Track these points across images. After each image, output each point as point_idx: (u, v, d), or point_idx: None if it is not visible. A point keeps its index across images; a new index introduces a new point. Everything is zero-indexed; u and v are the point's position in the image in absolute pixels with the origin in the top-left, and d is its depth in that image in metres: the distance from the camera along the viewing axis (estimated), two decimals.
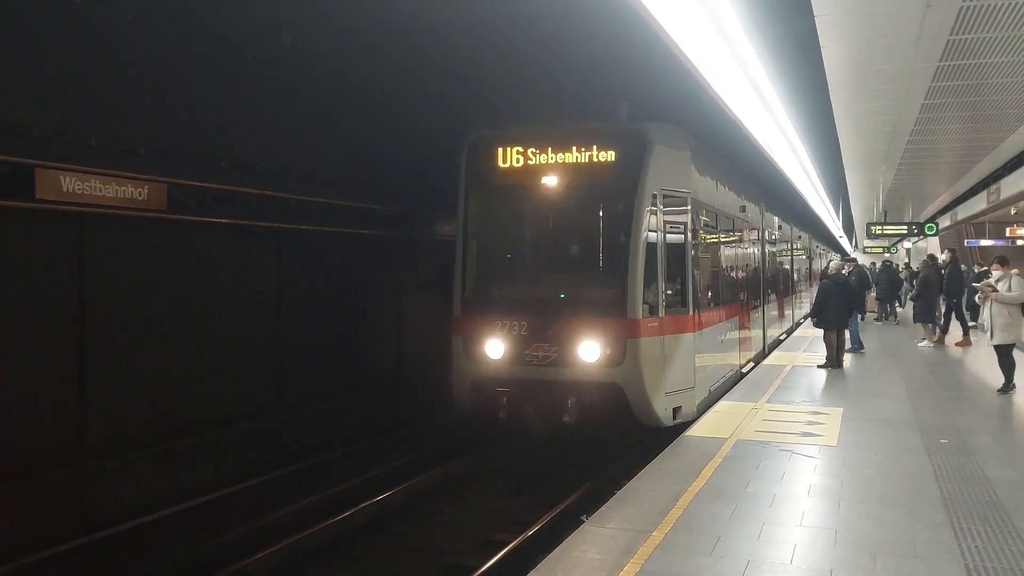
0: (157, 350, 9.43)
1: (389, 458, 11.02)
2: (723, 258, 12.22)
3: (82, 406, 8.55)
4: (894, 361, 14.60)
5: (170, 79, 9.38)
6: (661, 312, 9.22)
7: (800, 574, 4.89)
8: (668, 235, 9.48)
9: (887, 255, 37.07)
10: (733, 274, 13.12)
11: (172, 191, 9.25)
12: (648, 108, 11.09)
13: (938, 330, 17.20)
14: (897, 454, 7.71)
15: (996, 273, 10.80)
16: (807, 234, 29.11)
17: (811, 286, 27.32)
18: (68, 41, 8.26)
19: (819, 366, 13.48)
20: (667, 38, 6.80)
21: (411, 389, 13.71)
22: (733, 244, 13.14)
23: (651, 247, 9.20)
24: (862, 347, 15.85)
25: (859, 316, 16.04)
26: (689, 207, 9.84)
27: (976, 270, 21.51)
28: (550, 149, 9.55)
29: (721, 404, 10.33)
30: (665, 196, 9.44)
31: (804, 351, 16.36)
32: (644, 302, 8.98)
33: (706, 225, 10.88)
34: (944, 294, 17.06)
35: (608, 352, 8.86)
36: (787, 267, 21.93)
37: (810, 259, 30.10)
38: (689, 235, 9.80)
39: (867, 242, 37.75)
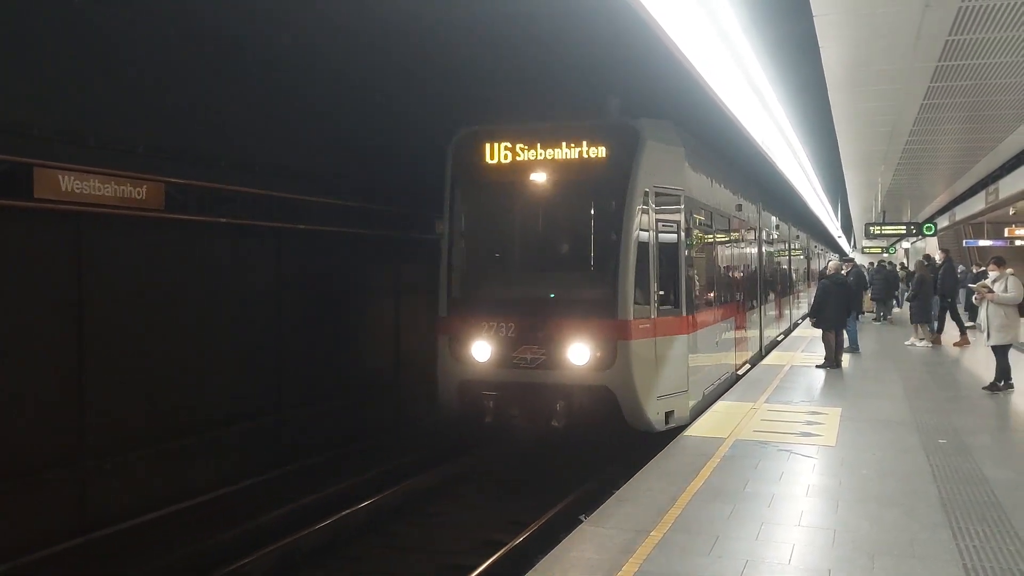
0: (156, 350, 9.42)
1: (389, 458, 11.01)
2: (718, 258, 12.04)
3: (81, 406, 8.54)
4: (892, 361, 14.62)
5: (170, 79, 9.37)
6: (653, 313, 8.95)
7: (798, 574, 4.90)
8: (660, 234, 9.21)
9: (885, 255, 37.13)
10: (729, 274, 12.98)
11: (171, 191, 9.25)
12: (648, 108, 11.06)
13: (934, 330, 17.24)
14: (895, 454, 7.73)
15: (992, 274, 10.83)
16: (805, 234, 29.08)
17: (809, 286, 27.35)
18: (67, 41, 8.25)
19: (817, 366, 13.49)
20: (666, 38, 6.82)
21: (411, 389, 13.70)
22: (729, 244, 13.00)
23: (643, 246, 8.92)
24: (858, 348, 15.86)
25: (857, 316, 16.06)
26: (682, 205, 9.57)
27: (975, 270, 21.55)
28: (539, 145, 9.24)
29: (720, 404, 10.31)
30: (657, 194, 9.17)
31: (802, 351, 16.37)
32: (635, 303, 8.74)
33: (700, 224, 10.68)
34: (938, 294, 17.10)
35: (598, 354, 8.61)
36: (785, 267, 21.88)
37: (808, 259, 30.08)
38: (683, 234, 9.52)
39: (866, 242, 37.78)
